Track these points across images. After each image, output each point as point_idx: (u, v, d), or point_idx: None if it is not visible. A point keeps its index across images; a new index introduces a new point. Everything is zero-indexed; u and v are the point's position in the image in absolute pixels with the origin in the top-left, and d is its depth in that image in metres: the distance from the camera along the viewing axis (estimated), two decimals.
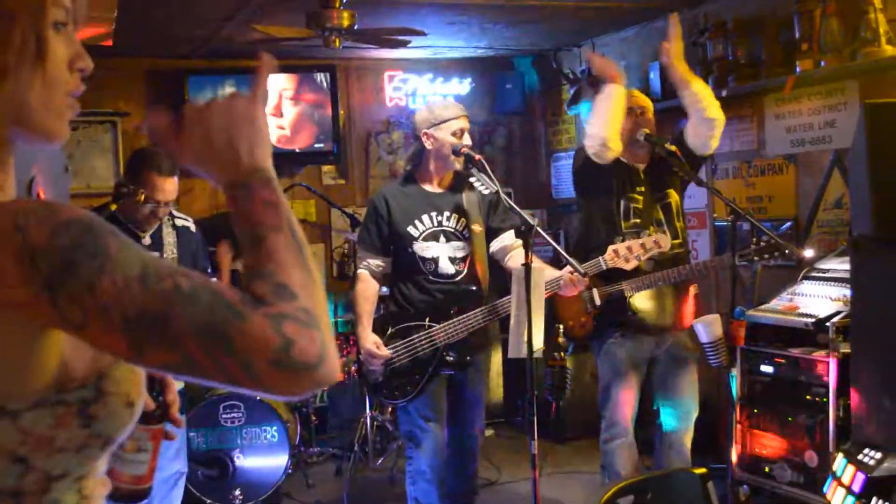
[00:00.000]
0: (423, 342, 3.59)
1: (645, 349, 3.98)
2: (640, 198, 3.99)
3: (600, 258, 3.52)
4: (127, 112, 6.35)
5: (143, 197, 3.45)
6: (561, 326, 3.96)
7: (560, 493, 4.86)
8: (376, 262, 3.71)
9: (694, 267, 3.88)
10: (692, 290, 4.10)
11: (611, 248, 3.47)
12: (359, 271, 3.74)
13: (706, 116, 3.91)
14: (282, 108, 6.54)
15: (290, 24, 4.89)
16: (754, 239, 3.72)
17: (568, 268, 3.45)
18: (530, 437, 2.99)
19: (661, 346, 4.00)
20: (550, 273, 3.53)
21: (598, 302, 3.91)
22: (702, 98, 3.91)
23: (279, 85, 6.53)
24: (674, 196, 4.04)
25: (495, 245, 3.76)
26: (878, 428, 2.70)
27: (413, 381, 3.60)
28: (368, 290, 3.70)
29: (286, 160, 6.62)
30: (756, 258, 3.72)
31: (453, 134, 3.58)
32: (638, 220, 3.96)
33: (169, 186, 3.53)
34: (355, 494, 4.96)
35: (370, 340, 3.60)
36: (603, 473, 4.12)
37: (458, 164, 3.61)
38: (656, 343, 3.99)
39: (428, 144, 3.64)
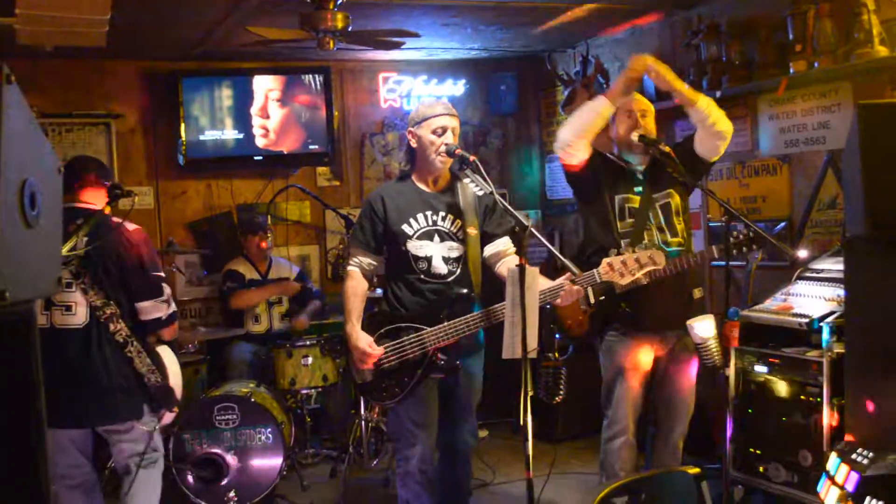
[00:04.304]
0: (413, 345, 3.56)
1: (647, 347, 3.98)
2: (637, 198, 3.99)
3: (595, 270, 3.44)
4: (121, 114, 6.34)
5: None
6: (555, 327, 3.94)
7: (555, 494, 4.86)
8: (368, 261, 3.69)
9: (679, 262, 3.85)
10: (697, 292, 4.09)
11: (605, 260, 3.43)
12: (349, 268, 3.71)
13: (717, 130, 3.91)
14: (268, 110, 6.53)
15: (284, 25, 4.89)
16: (733, 233, 3.78)
17: (566, 276, 3.41)
18: (525, 437, 2.98)
19: (664, 346, 4.01)
20: (545, 282, 3.46)
21: (592, 300, 3.89)
22: (709, 114, 3.89)
23: (266, 86, 6.51)
24: (675, 196, 4.04)
25: (489, 250, 3.74)
26: (872, 427, 2.70)
27: (402, 384, 3.57)
28: (358, 286, 3.67)
29: (281, 161, 6.62)
30: (735, 251, 3.78)
31: (434, 132, 3.55)
32: (633, 220, 3.96)
33: None
34: (350, 496, 4.95)
35: (362, 339, 3.56)
36: (601, 472, 4.12)
37: (439, 164, 3.58)
38: (659, 342, 4.00)
39: (413, 143, 3.64)
